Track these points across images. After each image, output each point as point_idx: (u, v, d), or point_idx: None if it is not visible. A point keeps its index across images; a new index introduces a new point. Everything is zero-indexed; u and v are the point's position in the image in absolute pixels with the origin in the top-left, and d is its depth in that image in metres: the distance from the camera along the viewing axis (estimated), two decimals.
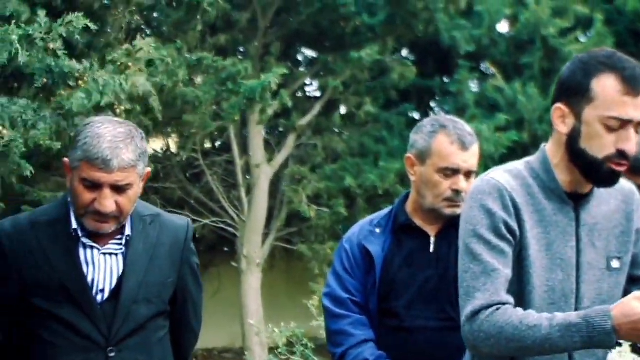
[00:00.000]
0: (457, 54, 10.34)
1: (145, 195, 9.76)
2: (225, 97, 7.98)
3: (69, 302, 2.57)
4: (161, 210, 2.84)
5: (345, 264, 3.11)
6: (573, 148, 2.30)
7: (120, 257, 2.64)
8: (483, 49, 10.48)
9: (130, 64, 5.49)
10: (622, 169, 2.28)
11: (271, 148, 10.62)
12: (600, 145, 2.25)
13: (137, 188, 2.56)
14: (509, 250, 2.29)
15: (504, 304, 2.23)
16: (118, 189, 2.50)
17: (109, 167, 2.45)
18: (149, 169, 2.62)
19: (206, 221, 10.26)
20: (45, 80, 5.35)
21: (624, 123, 2.23)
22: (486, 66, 10.93)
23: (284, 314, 8.11)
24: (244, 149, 10.29)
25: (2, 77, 5.55)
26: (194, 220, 10.23)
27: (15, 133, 5.07)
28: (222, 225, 10.35)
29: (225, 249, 11.56)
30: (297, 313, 7.75)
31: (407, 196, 3.15)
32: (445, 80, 11.18)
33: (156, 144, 10.22)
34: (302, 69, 11.23)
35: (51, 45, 5.24)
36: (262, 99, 7.83)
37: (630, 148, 2.24)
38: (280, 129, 11.03)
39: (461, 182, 2.97)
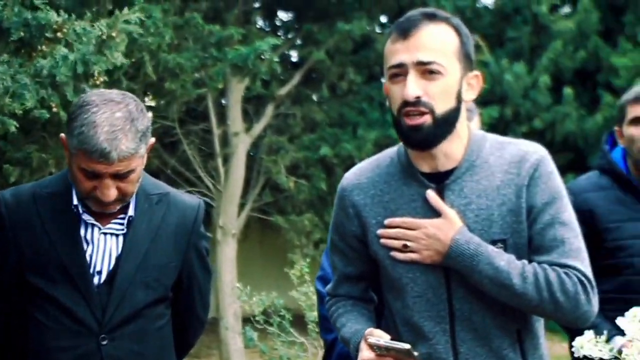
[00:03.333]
0: None
1: None
2: (209, 63, 7.80)
3: (66, 282, 2.40)
4: (172, 189, 2.62)
5: None
6: (391, 117, 2.17)
7: (121, 238, 2.45)
8: (466, 21, 10.34)
9: (114, 34, 5.33)
10: (415, 120, 2.06)
11: (249, 117, 10.48)
12: (393, 99, 2.10)
13: (141, 168, 2.37)
14: (349, 250, 2.30)
15: (338, 296, 2.36)
16: (120, 177, 2.31)
17: (108, 159, 2.26)
18: (152, 140, 2.41)
19: (182, 191, 10.11)
20: (22, 34, 5.18)
21: (401, 69, 2.06)
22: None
23: (259, 284, 8.06)
24: (222, 118, 10.12)
25: None
26: None
27: None
28: (198, 195, 10.21)
29: None
30: (270, 283, 7.70)
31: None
32: None
33: None
34: (283, 37, 11.07)
35: None
36: (254, 66, 7.68)
37: (408, 93, 2.04)
38: (259, 98, 10.88)
39: None
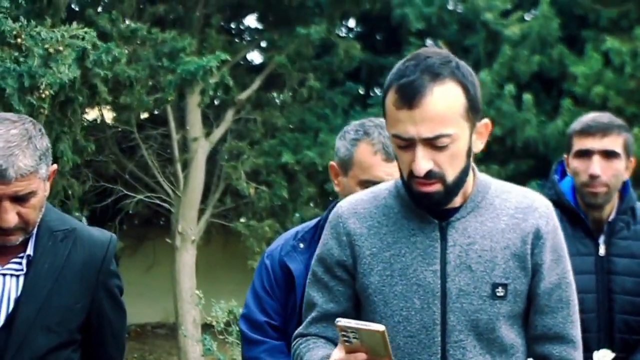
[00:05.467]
0: (407, 30, 10.18)
1: (76, 169, 9.52)
2: (161, 74, 7.71)
3: None
4: (80, 224, 2.48)
5: (265, 283, 2.77)
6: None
7: (22, 279, 2.31)
8: (433, 28, 10.34)
9: (61, 47, 5.27)
10: (428, 188, 2.00)
11: (209, 122, 10.36)
12: (401, 164, 2.05)
13: (43, 193, 2.25)
14: (334, 284, 2.15)
15: (309, 335, 2.19)
16: (19, 200, 2.19)
17: (5, 178, 2.14)
18: (54, 166, 2.30)
19: (140, 196, 9.99)
20: None
21: (408, 141, 1.98)
22: (437, 44, 10.81)
23: (221, 289, 7.99)
24: (181, 122, 10.00)
25: None
26: (127, 196, 10.02)
27: None
28: (157, 201, 10.09)
29: (162, 222, 11.36)
30: (233, 289, 7.64)
31: (335, 206, 2.88)
32: (395, 57, 11.05)
33: (90, 115, 9.90)
34: (244, 42, 10.99)
35: None
36: (203, 80, 7.59)
37: (419, 169, 1.97)
38: (219, 103, 10.78)
39: None
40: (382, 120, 2.74)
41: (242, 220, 10.37)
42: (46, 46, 5.15)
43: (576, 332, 2.15)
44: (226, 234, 11.09)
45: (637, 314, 3.09)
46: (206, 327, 7.21)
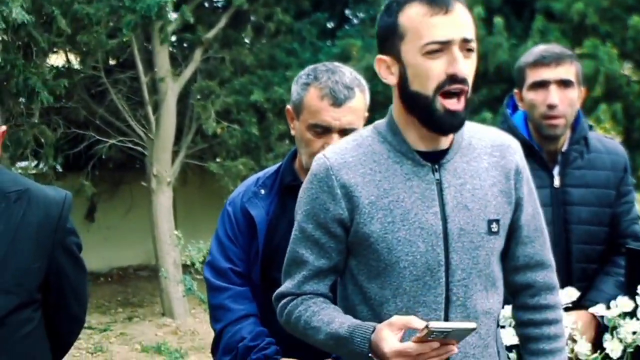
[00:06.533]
0: None
1: (47, 117, 9.41)
2: (122, 13, 7.54)
3: None
4: (33, 183, 2.47)
5: (228, 230, 2.82)
6: (407, 95, 2.07)
7: None
8: None
9: None
10: (456, 106, 2.02)
11: (178, 63, 10.23)
12: (428, 77, 2.01)
13: None
14: (326, 240, 2.13)
15: (304, 294, 2.18)
16: None
17: None
18: (3, 127, 2.29)
19: (113, 141, 9.92)
20: None
21: (444, 45, 2.01)
22: None
23: (200, 229, 8.00)
24: (149, 64, 9.86)
25: None
26: (99, 141, 9.95)
27: None
28: (129, 145, 10.02)
29: (137, 166, 11.30)
30: (211, 228, 7.61)
31: (295, 152, 2.81)
32: None
33: (57, 60, 9.76)
34: None
35: None
36: (160, 17, 7.43)
37: (461, 70, 2.00)
38: (186, 44, 10.62)
39: (334, 142, 2.56)
40: (335, 64, 2.77)
41: (218, 160, 10.33)
42: None
43: (551, 256, 2.29)
44: (202, 174, 11.06)
45: (594, 243, 3.13)
46: (187, 268, 7.23)
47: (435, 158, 2.11)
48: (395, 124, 2.12)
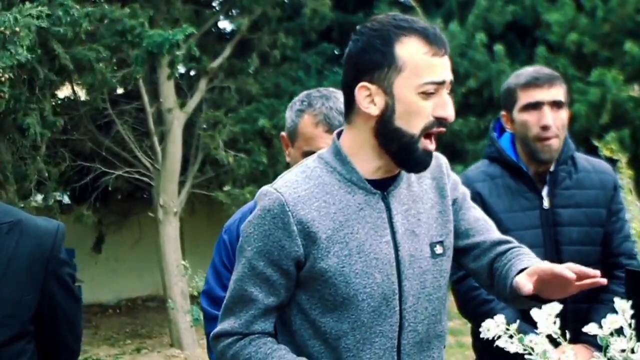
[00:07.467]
0: None
1: (53, 149, 9.41)
2: (124, 48, 7.58)
3: None
4: (26, 215, 2.43)
5: (224, 258, 2.74)
6: (387, 129, 2.00)
7: None
8: None
9: (17, 29, 5.16)
10: (432, 146, 2.01)
11: (183, 93, 10.26)
12: (418, 117, 1.98)
13: None
14: (277, 277, 2.03)
15: (252, 334, 2.08)
16: None
17: None
18: None
19: (119, 172, 9.92)
20: None
21: (439, 86, 1.99)
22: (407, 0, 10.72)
23: (208, 259, 7.93)
24: (155, 95, 9.88)
25: None
26: (105, 173, 9.95)
27: None
28: (136, 175, 10.03)
29: (145, 196, 11.30)
30: None
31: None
32: (366, 15, 10.93)
33: (63, 92, 9.80)
34: (212, 10, 10.85)
35: None
36: (170, 53, 7.47)
37: (451, 114, 2.00)
38: (192, 73, 10.66)
39: None
40: (329, 90, 2.72)
41: (225, 188, 10.32)
42: (1, 29, 5.04)
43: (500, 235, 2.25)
44: (210, 204, 11.05)
45: (585, 262, 3.07)
46: (194, 298, 7.19)
47: (383, 185, 2.08)
48: (343, 155, 2.06)
